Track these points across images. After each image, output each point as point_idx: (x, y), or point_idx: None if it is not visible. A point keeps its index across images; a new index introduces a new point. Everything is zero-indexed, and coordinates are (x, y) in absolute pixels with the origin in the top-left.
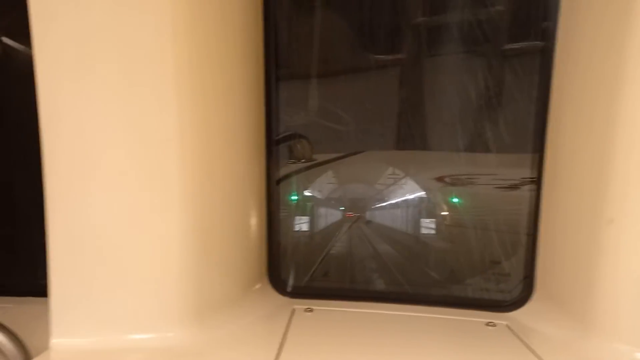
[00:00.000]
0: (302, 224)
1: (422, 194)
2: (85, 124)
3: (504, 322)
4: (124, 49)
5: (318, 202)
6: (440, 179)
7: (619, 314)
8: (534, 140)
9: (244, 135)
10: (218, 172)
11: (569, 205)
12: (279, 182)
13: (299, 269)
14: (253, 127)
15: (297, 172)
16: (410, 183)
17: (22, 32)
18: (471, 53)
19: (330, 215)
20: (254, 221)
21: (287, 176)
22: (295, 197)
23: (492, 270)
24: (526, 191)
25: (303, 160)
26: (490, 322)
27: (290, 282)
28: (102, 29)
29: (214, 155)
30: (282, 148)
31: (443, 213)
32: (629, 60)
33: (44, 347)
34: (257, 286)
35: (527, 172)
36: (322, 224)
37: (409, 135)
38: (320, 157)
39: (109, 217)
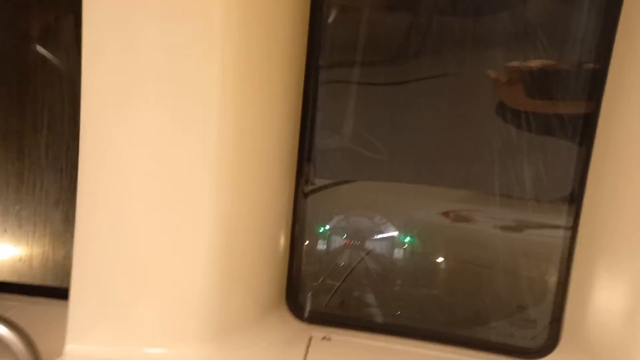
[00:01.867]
0: (325, 248)
1: (449, 228)
2: (123, 147)
3: None
4: (169, 84)
5: (344, 227)
6: (467, 219)
7: None
8: (572, 187)
9: (278, 152)
10: (250, 192)
11: (604, 250)
12: (307, 203)
13: (318, 294)
14: (288, 149)
15: (327, 194)
16: (438, 218)
17: None
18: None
19: (354, 242)
20: (279, 242)
21: (316, 199)
22: (322, 222)
23: (518, 315)
24: (560, 238)
25: (319, 182)
26: None
27: (308, 307)
28: (149, 62)
29: (247, 177)
30: (313, 170)
31: (472, 252)
32: None
33: (57, 351)
34: (275, 309)
35: (562, 219)
36: (346, 250)
37: (443, 169)
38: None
39: (138, 230)
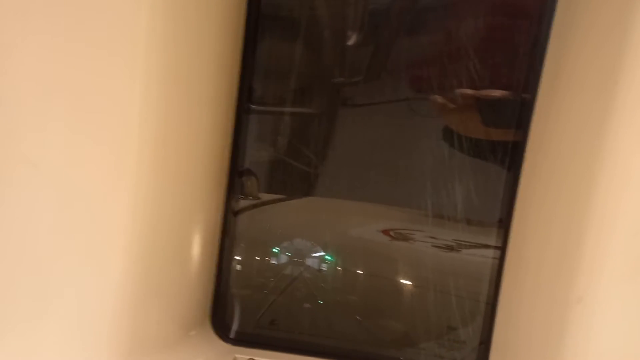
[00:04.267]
0: (255, 265)
1: (382, 247)
2: (36, 149)
3: None
4: (84, 89)
5: (274, 243)
6: (401, 237)
7: None
8: (501, 208)
9: (203, 167)
10: (171, 206)
11: (533, 278)
12: (236, 217)
13: (245, 313)
14: (215, 160)
15: (257, 209)
16: (371, 235)
17: None
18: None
19: (284, 259)
20: (204, 257)
21: (245, 213)
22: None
23: (448, 336)
24: (489, 258)
25: (250, 198)
26: None
27: (234, 327)
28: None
29: (168, 190)
30: (243, 183)
31: (401, 271)
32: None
33: None
34: (198, 329)
35: (491, 239)
36: (275, 267)
37: (377, 185)
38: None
39: (42, 240)
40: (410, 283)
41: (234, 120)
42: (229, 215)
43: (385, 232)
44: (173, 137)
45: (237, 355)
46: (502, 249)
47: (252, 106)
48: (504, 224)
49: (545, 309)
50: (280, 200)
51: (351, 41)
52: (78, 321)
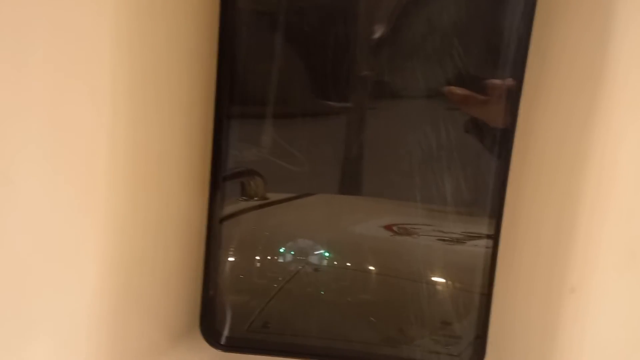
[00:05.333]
0: (245, 268)
1: (373, 242)
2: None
3: None
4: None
5: (264, 245)
6: (389, 228)
7: None
8: (492, 197)
9: (183, 170)
10: (148, 205)
11: (527, 269)
12: (222, 221)
13: (235, 318)
14: (197, 163)
15: (244, 211)
16: (362, 230)
17: None
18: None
19: (275, 260)
20: (191, 262)
21: (232, 215)
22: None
23: (443, 332)
24: (482, 248)
25: (255, 199)
26: None
27: (225, 333)
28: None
29: (143, 188)
30: (230, 185)
31: (395, 266)
32: (594, 130)
33: None
34: (187, 337)
35: (483, 229)
36: (266, 269)
37: (363, 181)
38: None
39: (12, 249)
40: (413, 279)
41: (214, 123)
42: (215, 217)
43: (388, 227)
44: (145, 141)
45: None
46: (495, 238)
47: (233, 107)
48: (496, 214)
49: (539, 300)
50: (271, 203)
51: (337, 34)
52: (52, 336)
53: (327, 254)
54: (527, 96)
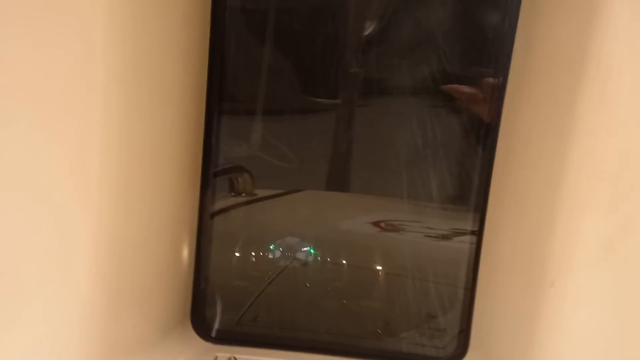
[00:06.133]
0: (235, 263)
1: (360, 238)
2: None
3: None
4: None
5: (254, 240)
6: (377, 224)
7: None
8: (477, 193)
9: (175, 165)
10: (141, 200)
11: (508, 259)
12: (213, 216)
13: (226, 311)
14: (188, 158)
15: (235, 206)
16: (349, 225)
17: None
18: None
19: (265, 255)
20: (181, 257)
21: (223, 210)
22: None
23: (428, 325)
24: (466, 243)
25: (243, 195)
26: None
27: (216, 326)
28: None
29: (135, 183)
30: (220, 181)
31: (381, 261)
32: (574, 126)
33: None
34: (178, 329)
35: (468, 225)
36: (256, 264)
37: (351, 177)
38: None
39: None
40: (398, 274)
41: (205, 119)
42: (206, 211)
43: (376, 223)
44: (138, 137)
45: (218, 354)
46: (479, 234)
47: (224, 104)
48: (480, 210)
49: (520, 294)
50: (260, 199)
51: (326, 31)
52: (44, 327)
53: (315, 250)
54: (510, 94)
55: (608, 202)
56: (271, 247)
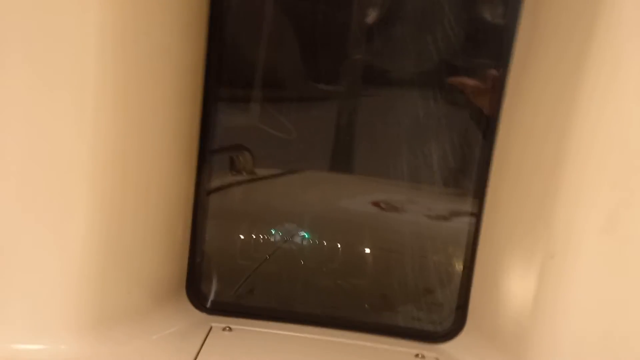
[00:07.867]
0: (231, 237)
1: (360, 216)
2: None
3: (434, 355)
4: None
5: (251, 216)
6: (376, 204)
7: (555, 355)
8: (478, 174)
9: (171, 142)
10: (136, 173)
11: (507, 237)
12: (209, 193)
13: (222, 283)
14: (185, 136)
15: (232, 184)
16: (348, 205)
17: None
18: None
19: (262, 231)
20: (177, 230)
21: (220, 188)
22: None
23: (425, 299)
24: (465, 223)
25: (244, 173)
26: (419, 354)
27: (211, 297)
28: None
29: (132, 156)
30: (219, 159)
31: (379, 238)
32: (575, 112)
33: None
34: (174, 300)
35: (467, 204)
36: (253, 239)
37: (351, 158)
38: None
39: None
40: (396, 251)
41: (202, 98)
42: (203, 187)
43: (375, 203)
44: (137, 111)
45: (213, 324)
46: (478, 213)
47: (223, 74)
48: (481, 185)
49: (520, 267)
50: (259, 178)
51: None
52: (40, 292)
53: (312, 228)
54: (512, 78)
55: (608, 175)
56: (268, 223)
